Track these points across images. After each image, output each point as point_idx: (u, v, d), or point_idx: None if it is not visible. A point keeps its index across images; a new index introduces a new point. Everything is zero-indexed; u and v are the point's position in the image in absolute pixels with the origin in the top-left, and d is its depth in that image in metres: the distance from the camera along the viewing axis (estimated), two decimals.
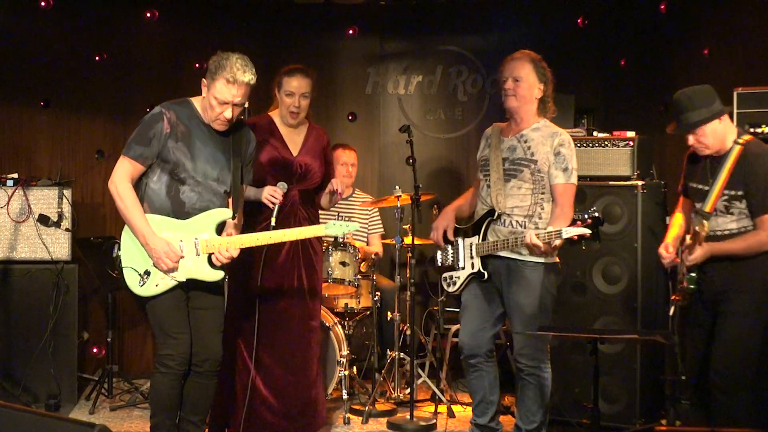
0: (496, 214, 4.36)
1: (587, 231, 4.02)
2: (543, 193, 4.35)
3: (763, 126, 4.56)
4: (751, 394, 4.08)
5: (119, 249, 4.02)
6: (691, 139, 4.11)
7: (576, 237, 4.03)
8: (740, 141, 4.06)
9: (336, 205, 6.13)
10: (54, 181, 5.65)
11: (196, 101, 4.10)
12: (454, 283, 4.54)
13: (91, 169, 6.45)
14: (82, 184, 6.32)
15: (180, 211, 4.00)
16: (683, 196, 4.39)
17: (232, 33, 6.69)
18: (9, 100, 6.29)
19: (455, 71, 6.84)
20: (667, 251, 4.24)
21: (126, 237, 4.01)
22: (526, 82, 4.37)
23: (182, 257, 3.97)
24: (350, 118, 6.93)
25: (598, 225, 4.03)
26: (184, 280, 4.00)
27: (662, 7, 6.15)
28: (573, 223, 4.07)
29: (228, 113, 3.97)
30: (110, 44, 6.49)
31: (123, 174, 3.97)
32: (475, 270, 4.42)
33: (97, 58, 6.45)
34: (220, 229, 4.05)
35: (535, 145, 4.36)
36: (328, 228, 4.10)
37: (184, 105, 4.08)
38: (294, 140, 4.69)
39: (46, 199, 5.59)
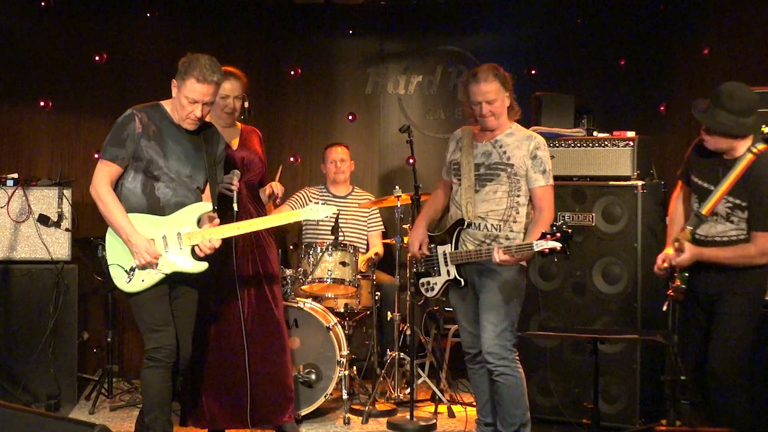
0: (466, 223, 4.41)
1: (557, 245, 3.99)
2: (518, 197, 4.38)
3: (764, 126, 4.55)
4: (746, 393, 4.08)
5: (104, 249, 4.17)
6: (707, 131, 4.04)
7: (547, 250, 4.02)
8: (754, 150, 3.98)
9: (335, 204, 6.16)
10: (54, 181, 5.66)
11: (167, 104, 4.24)
12: (432, 289, 4.58)
13: (91, 169, 6.36)
14: (82, 184, 6.29)
15: (156, 206, 4.13)
16: (682, 182, 4.33)
17: (231, 33, 6.69)
18: (9, 100, 6.29)
19: (455, 71, 6.84)
20: (661, 266, 4.17)
21: (110, 236, 4.16)
22: (498, 99, 4.39)
23: (161, 255, 4.08)
24: (350, 118, 6.92)
25: (567, 239, 4.00)
26: (170, 272, 4.11)
27: (662, 7, 6.15)
28: (542, 237, 4.06)
29: (198, 112, 4.12)
30: (110, 44, 6.49)
31: (102, 177, 4.14)
32: (452, 277, 4.46)
33: (97, 58, 6.45)
34: (200, 222, 4.16)
35: (511, 149, 4.39)
36: (305, 213, 4.25)
37: (154, 108, 4.22)
38: (230, 137, 4.77)
39: (46, 199, 5.60)
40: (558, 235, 3.99)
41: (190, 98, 4.09)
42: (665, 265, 4.14)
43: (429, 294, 4.63)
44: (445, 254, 4.48)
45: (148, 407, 4.16)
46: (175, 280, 4.17)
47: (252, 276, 4.76)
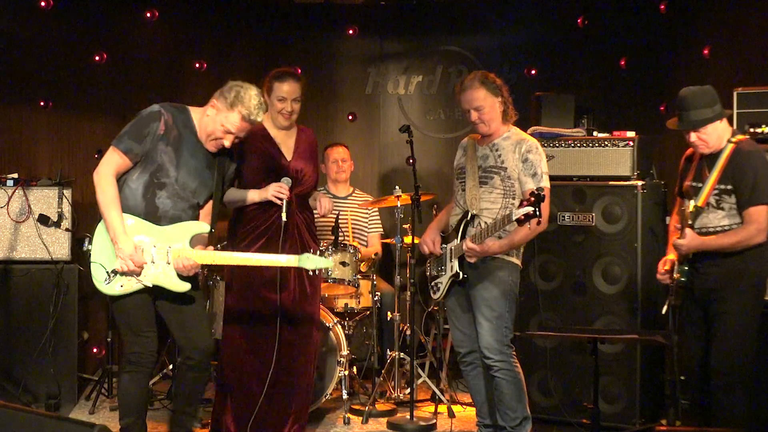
0: (470, 215, 4.42)
1: (530, 209, 3.95)
2: (513, 199, 4.39)
3: (763, 126, 4.57)
4: (748, 393, 4.10)
5: (90, 243, 4.02)
6: (693, 136, 4.16)
7: (522, 217, 3.99)
8: (733, 140, 4.14)
9: (335, 206, 6.16)
10: (54, 181, 5.65)
11: (194, 112, 4.10)
12: (438, 289, 4.57)
13: (91, 169, 6.37)
14: (82, 184, 6.30)
15: (152, 215, 4.00)
16: (680, 198, 4.43)
17: (232, 33, 6.69)
18: (9, 100, 6.29)
19: (455, 71, 6.84)
20: (662, 270, 4.27)
21: (100, 232, 4.01)
22: (486, 105, 4.42)
23: (147, 263, 3.94)
24: (350, 118, 6.93)
25: (539, 202, 3.95)
26: (151, 285, 3.99)
27: (662, 7, 6.15)
28: (520, 205, 4.05)
29: (227, 142, 4.01)
30: (110, 44, 6.49)
31: (110, 167, 3.99)
32: (454, 272, 4.44)
33: (97, 58, 6.45)
34: (193, 242, 4.04)
35: (505, 153, 4.43)
36: (301, 261, 4.06)
37: (182, 111, 4.09)
38: (287, 144, 4.71)
39: (46, 199, 5.59)
40: (532, 199, 3.97)
41: (226, 128, 3.98)
42: (667, 267, 4.22)
43: (435, 295, 4.60)
44: (451, 249, 4.48)
45: (125, 412, 4.06)
46: (158, 295, 4.04)
47: (294, 290, 4.68)
